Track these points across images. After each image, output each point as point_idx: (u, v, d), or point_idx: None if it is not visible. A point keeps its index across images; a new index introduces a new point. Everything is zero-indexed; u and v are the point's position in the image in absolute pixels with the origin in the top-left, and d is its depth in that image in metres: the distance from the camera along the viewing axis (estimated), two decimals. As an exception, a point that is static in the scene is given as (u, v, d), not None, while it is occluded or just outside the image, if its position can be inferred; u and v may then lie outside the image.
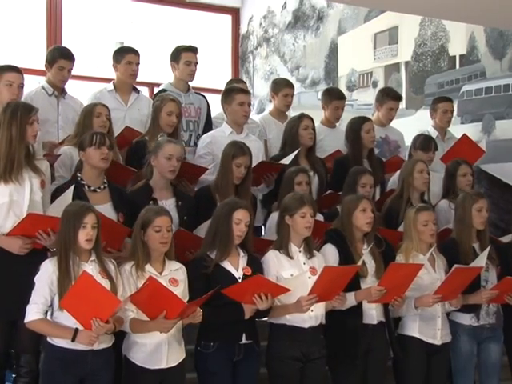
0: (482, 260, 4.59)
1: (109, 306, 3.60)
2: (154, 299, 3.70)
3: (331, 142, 6.22)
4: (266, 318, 4.26)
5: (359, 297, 4.31)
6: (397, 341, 4.53)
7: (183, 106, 5.92)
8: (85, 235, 3.72)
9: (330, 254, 4.42)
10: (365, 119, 5.89)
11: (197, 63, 6.09)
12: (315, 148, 5.73)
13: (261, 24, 9.44)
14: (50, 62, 5.65)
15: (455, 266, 4.45)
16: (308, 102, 8.61)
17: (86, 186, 4.41)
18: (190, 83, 6.16)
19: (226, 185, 4.79)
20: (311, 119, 5.67)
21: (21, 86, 4.94)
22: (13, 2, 8.28)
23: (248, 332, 4.10)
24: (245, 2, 9.62)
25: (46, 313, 3.74)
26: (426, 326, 4.55)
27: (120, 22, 8.91)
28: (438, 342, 4.57)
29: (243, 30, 9.67)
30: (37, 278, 3.74)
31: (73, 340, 3.64)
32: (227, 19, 9.71)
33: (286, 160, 5.27)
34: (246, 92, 5.67)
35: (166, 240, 3.94)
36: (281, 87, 6.44)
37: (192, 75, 6.08)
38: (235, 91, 5.57)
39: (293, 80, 7.76)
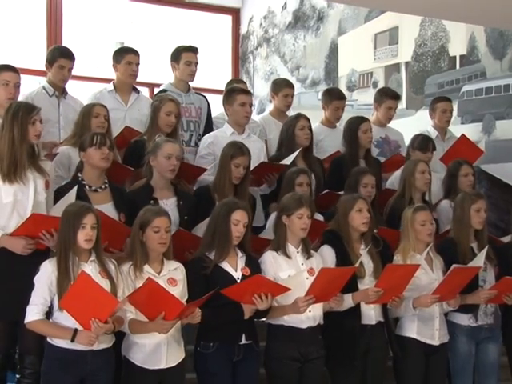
0: (480, 260, 4.58)
1: (107, 307, 3.60)
2: (152, 300, 3.70)
3: (331, 142, 6.23)
4: (264, 319, 4.26)
5: (356, 298, 4.30)
6: (396, 340, 4.53)
7: (184, 106, 5.93)
8: (84, 235, 3.72)
9: (326, 256, 4.41)
10: (362, 119, 5.90)
11: (197, 63, 6.09)
12: (312, 148, 5.72)
13: (261, 24, 9.44)
14: (51, 61, 5.66)
15: (454, 265, 4.45)
16: (308, 103, 8.61)
17: (87, 186, 4.41)
18: (190, 83, 6.16)
19: (224, 185, 4.79)
20: (308, 119, 5.67)
21: (17, 86, 4.95)
22: (13, 3, 8.28)
23: (247, 332, 4.10)
24: (245, 3, 9.63)
25: (47, 313, 3.73)
26: (425, 327, 4.54)
27: (120, 23, 8.91)
28: (436, 342, 4.56)
29: (243, 30, 9.67)
30: (36, 279, 3.74)
31: (72, 340, 3.65)
32: (227, 19, 9.71)
33: (287, 160, 5.27)
34: (248, 92, 5.68)
35: (165, 241, 3.94)
36: (281, 87, 6.44)
37: (192, 75, 6.09)
38: (236, 92, 5.57)
39: (293, 80, 7.76)
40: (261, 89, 9.24)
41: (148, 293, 3.69)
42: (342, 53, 8.49)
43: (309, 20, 8.86)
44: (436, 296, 4.41)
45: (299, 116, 5.72)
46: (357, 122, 5.84)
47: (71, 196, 4.21)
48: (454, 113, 6.68)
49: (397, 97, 6.65)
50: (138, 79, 6.16)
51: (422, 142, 5.85)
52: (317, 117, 6.77)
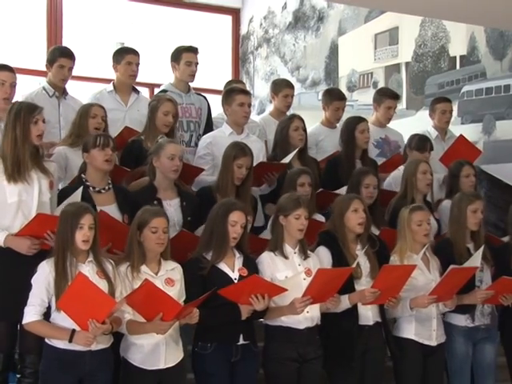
0: (476, 260, 4.58)
1: (104, 307, 3.60)
2: (150, 301, 3.70)
3: (331, 142, 6.22)
4: (262, 320, 4.26)
5: (353, 299, 4.29)
6: (394, 340, 4.53)
7: (184, 107, 5.94)
8: (82, 236, 3.73)
9: (323, 257, 4.40)
10: (360, 119, 5.89)
11: (197, 64, 6.09)
12: (307, 149, 5.71)
13: (261, 24, 9.44)
14: (51, 61, 5.67)
15: (451, 266, 4.45)
16: (308, 103, 8.62)
17: (91, 188, 4.42)
18: (190, 84, 6.16)
19: (226, 185, 4.79)
20: (302, 120, 5.66)
21: (13, 86, 4.97)
22: (13, 3, 8.28)
23: (245, 333, 4.10)
24: (245, 3, 9.63)
25: (44, 314, 3.73)
26: (422, 328, 4.54)
27: (120, 23, 8.91)
28: (433, 343, 4.56)
29: (243, 30, 9.67)
30: (34, 280, 3.75)
31: (70, 341, 3.65)
32: (227, 20, 9.71)
33: (286, 160, 5.26)
34: (247, 93, 5.67)
35: (162, 241, 3.94)
36: (281, 88, 6.44)
37: (192, 76, 6.09)
38: (235, 92, 5.56)
39: (293, 80, 7.77)
40: (261, 89, 9.24)
41: (145, 294, 3.69)
42: (342, 53, 8.49)
43: (309, 20, 8.86)
44: (433, 297, 4.41)
45: (293, 117, 5.72)
46: (354, 122, 5.83)
47: (76, 197, 4.22)
48: (454, 113, 6.68)
49: (396, 96, 6.65)
50: (138, 79, 6.16)
51: (420, 142, 5.85)
52: (317, 117, 6.77)
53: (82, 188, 4.30)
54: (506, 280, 4.55)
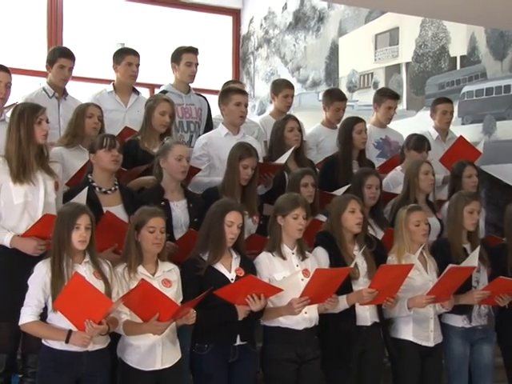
0: (473, 260, 4.57)
1: (101, 308, 3.60)
2: (146, 301, 3.70)
3: (332, 143, 6.20)
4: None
5: (351, 299, 4.29)
6: (392, 341, 4.53)
7: (184, 107, 5.95)
8: (78, 236, 3.73)
9: (320, 258, 4.39)
10: (357, 120, 5.87)
11: (197, 64, 6.09)
12: (303, 149, 5.71)
13: (261, 25, 9.44)
14: (51, 61, 5.67)
15: (450, 265, 4.44)
16: (308, 103, 8.62)
17: (97, 188, 4.44)
18: (190, 84, 6.16)
19: (233, 186, 4.79)
20: (297, 120, 5.64)
21: (8, 86, 4.97)
22: (13, 4, 8.29)
23: (242, 333, 4.09)
24: (245, 3, 9.63)
25: (41, 315, 3.73)
26: (420, 329, 4.54)
27: (120, 24, 8.91)
28: (431, 343, 4.56)
29: (244, 30, 9.67)
30: (30, 280, 3.75)
31: (67, 341, 3.65)
32: (228, 20, 9.71)
33: (282, 159, 5.24)
34: (243, 92, 5.65)
35: (160, 241, 3.94)
36: (281, 88, 6.44)
37: (193, 76, 6.09)
38: (232, 92, 5.55)
39: (293, 81, 7.78)
40: (261, 89, 9.24)
41: (142, 294, 3.69)
42: (343, 53, 8.49)
43: (309, 21, 8.86)
44: (431, 296, 4.40)
45: (288, 117, 5.71)
46: (351, 123, 5.82)
47: (82, 197, 4.23)
48: (455, 113, 6.67)
49: (396, 96, 6.65)
50: (139, 80, 6.16)
51: (417, 142, 5.84)
52: (317, 117, 6.77)
53: (86, 189, 4.32)
54: (503, 280, 4.55)
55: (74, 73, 5.82)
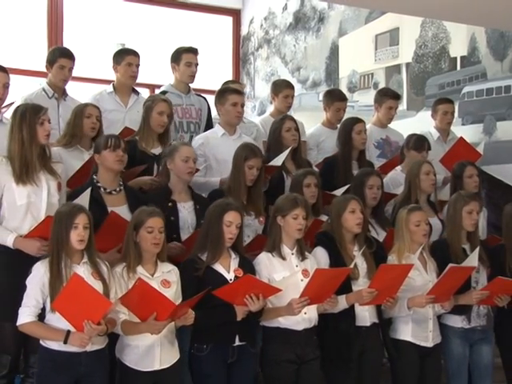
0: (473, 260, 4.57)
1: (100, 308, 3.60)
2: (143, 301, 3.70)
3: (332, 143, 6.19)
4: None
5: (350, 299, 4.29)
6: (391, 341, 4.52)
7: (184, 108, 5.95)
8: (76, 235, 3.73)
9: (320, 257, 4.39)
10: (357, 120, 5.87)
11: (197, 64, 6.10)
12: (301, 149, 5.70)
13: (262, 25, 9.44)
14: (51, 61, 5.67)
15: (450, 265, 4.44)
16: (309, 104, 8.61)
17: (102, 189, 4.45)
18: (190, 84, 6.16)
19: (239, 187, 4.79)
20: (294, 120, 5.64)
21: (6, 86, 4.96)
22: (14, 4, 8.29)
23: (241, 334, 4.09)
24: (246, 4, 9.63)
25: (39, 315, 3.73)
26: (419, 329, 4.53)
27: (121, 24, 8.91)
28: (429, 344, 4.56)
29: (244, 31, 9.67)
30: (28, 281, 3.75)
31: (65, 342, 3.65)
32: (228, 21, 9.71)
33: (278, 161, 5.23)
34: (240, 93, 5.64)
35: (158, 241, 3.94)
36: (281, 88, 6.44)
37: (192, 76, 6.09)
38: (228, 92, 5.55)
39: (294, 81, 7.77)
40: (261, 90, 9.24)
41: (139, 293, 3.69)
42: (343, 54, 8.49)
43: (309, 21, 8.86)
44: (431, 296, 4.40)
45: (285, 118, 5.70)
46: (351, 123, 5.82)
47: (85, 198, 4.23)
48: (455, 114, 6.67)
49: (397, 96, 6.65)
50: (139, 80, 6.16)
51: (417, 142, 5.84)
52: (317, 118, 6.78)
53: (89, 189, 4.32)
54: (501, 280, 4.54)
55: (74, 73, 5.82)
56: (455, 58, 7.45)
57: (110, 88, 6.00)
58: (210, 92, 7.33)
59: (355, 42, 8.37)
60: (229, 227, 4.08)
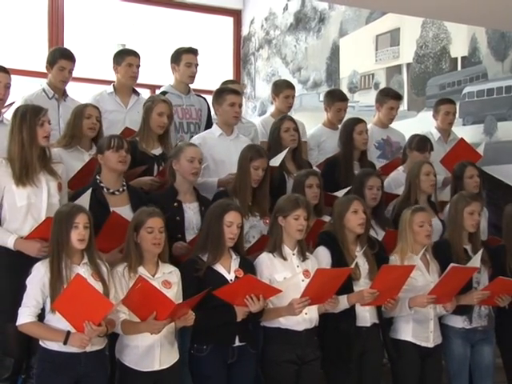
0: (476, 261, 4.58)
1: (101, 309, 3.60)
2: (144, 300, 3.70)
3: (333, 143, 6.20)
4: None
5: (352, 300, 4.29)
6: (391, 342, 4.52)
7: (184, 108, 5.95)
8: (77, 235, 3.74)
9: (322, 257, 4.40)
10: (358, 120, 5.89)
11: (197, 65, 6.10)
12: (301, 149, 5.69)
13: (262, 26, 9.44)
14: (51, 62, 5.67)
15: (451, 264, 4.44)
16: (309, 104, 8.61)
17: (105, 189, 4.45)
18: (190, 85, 6.16)
19: (245, 188, 4.79)
20: (292, 121, 5.64)
21: (7, 87, 4.97)
22: (15, 5, 8.29)
23: (241, 334, 4.09)
24: (246, 4, 9.62)
25: (39, 315, 3.73)
26: (419, 330, 4.54)
27: (121, 25, 8.91)
28: (430, 344, 4.56)
29: (245, 31, 9.67)
30: (28, 281, 3.75)
31: (65, 343, 3.65)
32: (229, 21, 9.71)
33: (276, 161, 5.23)
34: (237, 93, 5.62)
35: (159, 241, 3.94)
36: (281, 89, 6.43)
37: (193, 77, 6.09)
38: (226, 92, 5.54)
39: (294, 82, 7.76)
40: (262, 90, 9.24)
41: (140, 292, 3.69)
42: (344, 54, 8.48)
43: (310, 21, 8.86)
44: (433, 296, 4.40)
45: (283, 118, 5.70)
46: (352, 124, 5.83)
47: (85, 198, 4.24)
48: (456, 114, 6.66)
49: (398, 97, 6.64)
50: (139, 81, 6.15)
51: (420, 142, 5.84)
52: (318, 118, 6.77)
53: (90, 190, 4.33)
54: (502, 280, 4.55)
55: (75, 73, 5.82)
56: (456, 59, 7.44)
57: (110, 88, 5.99)
58: (211, 93, 7.34)
59: (356, 43, 8.36)
60: (229, 227, 4.08)
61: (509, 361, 4.92)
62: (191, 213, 4.63)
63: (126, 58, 5.93)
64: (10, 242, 4.09)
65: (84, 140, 5.00)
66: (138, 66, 5.97)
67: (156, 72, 7.94)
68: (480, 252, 4.59)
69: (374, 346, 4.45)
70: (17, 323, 3.74)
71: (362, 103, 8.14)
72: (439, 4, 6.00)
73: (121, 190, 4.51)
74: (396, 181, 5.72)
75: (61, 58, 5.64)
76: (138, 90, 6.18)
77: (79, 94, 6.19)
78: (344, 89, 8.08)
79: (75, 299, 3.56)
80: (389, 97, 6.53)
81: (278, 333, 4.20)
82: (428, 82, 7.65)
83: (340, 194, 5.16)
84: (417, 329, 4.53)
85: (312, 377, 4.26)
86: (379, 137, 6.45)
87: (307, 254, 4.34)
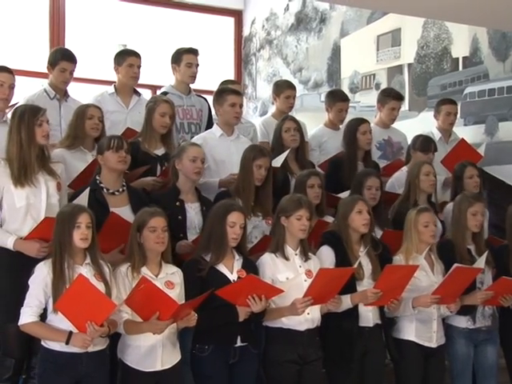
0: (481, 262, 4.58)
1: (104, 310, 3.60)
2: (147, 300, 3.70)
3: (335, 144, 6.20)
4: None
5: (355, 299, 4.30)
6: (393, 343, 4.52)
7: (185, 109, 5.94)
8: (79, 235, 3.74)
9: (326, 256, 4.41)
10: (362, 121, 5.89)
11: (198, 65, 6.10)
12: (304, 150, 5.68)
13: (263, 26, 9.44)
14: (52, 63, 5.66)
15: (455, 265, 4.44)
16: (311, 104, 8.61)
17: (105, 189, 4.45)
18: (191, 85, 6.16)
19: (248, 187, 4.79)
20: (294, 121, 5.63)
21: (12, 87, 4.97)
22: (16, 5, 8.29)
23: (243, 334, 4.09)
24: (247, 5, 9.62)
25: (41, 316, 3.73)
26: (423, 329, 4.54)
27: (123, 25, 8.91)
28: (433, 344, 4.56)
29: (246, 32, 9.67)
30: (31, 281, 3.75)
31: (67, 343, 3.65)
32: (230, 21, 9.70)
33: (277, 162, 5.22)
34: (238, 93, 5.62)
35: (162, 240, 3.95)
36: (282, 89, 6.43)
37: (193, 77, 6.09)
38: (227, 92, 5.53)
39: (295, 82, 7.77)
40: (263, 91, 9.24)
41: (143, 293, 3.68)
42: (345, 54, 8.48)
43: (311, 22, 8.86)
44: (436, 296, 4.41)
45: (285, 118, 5.71)
46: (356, 124, 5.83)
47: (83, 198, 4.24)
48: (457, 114, 6.66)
49: (400, 97, 6.64)
50: (141, 81, 6.15)
51: (424, 143, 5.84)
52: (319, 119, 6.77)
53: (88, 189, 4.33)
54: (506, 280, 4.55)
55: (76, 74, 5.81)
56: (457, 59, 7.44)
57: (111, 89, 5.99)
58: (212, 93, 7.33)
59: (357, 43, 8.36)
60: (232, 228, 4.09)
61: (512, 361, 4.94)
62: (193, 212, 4.64)
63: (127, 58, 5.92)
64: (9, 243, 4.09)
65: (87, 140, 4.99)
66: (139, 67, 5.97)
67: (157, 72, 7.94)
68: (485, 254, 4.60)
69: (377, 347, 4.46)
70: (19, 323, 3.74)
71: (363, 103, 8.14)
72: (440, 4, 6.01)
73: (120, 190, 4.50)
74: (400, 181, 5.70)
75: (62, 59, 5.63)
76: (138, 90, 6.18)
77: (80, 94, 6.19)
78: (345, 89, 8.08)
79: (78, 299, 3.56)
80: (390, 97, 6.52)
81: (280, 333, 4.20)
82: (429, 83, 7.65)
83: (343, 195, 5.16)
84: (420, 328, 4.54)
85: (314, 377, 4.26)
86: (380, 137, 6.44)
87: (309, 254, 4.35)
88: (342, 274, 4.17)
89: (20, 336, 4.01)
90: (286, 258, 4.26)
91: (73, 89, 5.93)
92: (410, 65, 7.87)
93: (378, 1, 6.47)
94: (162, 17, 9.15)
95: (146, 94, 7.03)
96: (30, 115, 4.17)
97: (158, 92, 6.52)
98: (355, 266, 4.25)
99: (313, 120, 7.15)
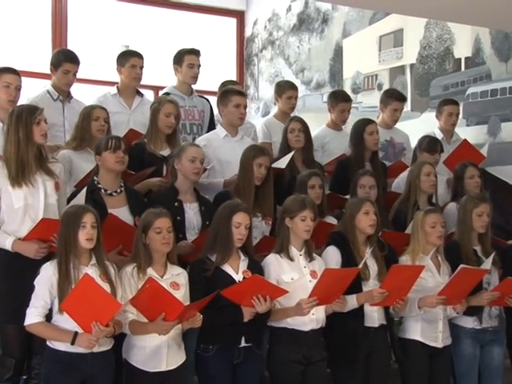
0: (488, 264, 4.58)
1: (109, 310, 3.60)
2: (153, 301, 3.70)
3: (337, 144, 6.21)
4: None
5: (360, 299, 4.30)
6: (398, 343, 4.52)
7: (187, 109, 5.95)
8: (85, 235, 3.74)
9: (332, 256, 4.42)
10: (368, 121, 5.89)
11: (200, 66, 6.10)
12: (310, 150, 5.67)
13: (266, 27, 9.44)
14: (55, 65, 5.66)
15: (461, 265, 4.45)
16: (313, 105, 8.61)
17: (103, 190, 4.44)
18: (194, 86, 6.16)
19: (248, 186, 4.78)
20: (300, 121, 5.61)
21: (18, 88, 4.96)
22: (18, 6, 8.29)
23: (247, 335, 4.09)
24: (250, 5, 9.62)
25: (47, 316, 3.73)
26: (428, 329, 4.54)
27: (125, 26, 8.91)
28: (439, 344, 4.57)
29: (248, 32, 9.67)
30: (36, 281, 3.75)
31: (72, 343, 3.65)
32: (232, 22, 9.70)
33: (282, 163, 5.22)
34: (242, 94, 5.63)
35: (168, 240, 3.96)
36: (284, 89, 6.43)
37: (195, 78, 6.10)
38: (231, 93, 5.54)
39: (297, 83, 7.77)
40: (265, 91, 9.24)
41: (149, 293, 3.69)
42: (347, 55, 8.48)
43: (313, 22, 8.86)
44: (442, 297, 4.41)
45: (291, 119, 5.71)
46: (363, 124, 5.83)
47: (80, 199, 4.24)
48: (459, 115, 6.65)
49: (403, 98, 6.64)
50: (143, 82, 6.15)
51: (430, 144, 5.84)
52: (321, 119, 6.77)
53: (85, 189, 4.33)
54: None
55: (79, 75, 5.81)
56: (459, 59, 7.44)
57: (113, 90, 5.99)
58: (215, 93, 7.34)
59: (359, 44, 8.36)
60: (238, 228, 4.09)
61: (517, 361, 4.94)
62: (191, 213, 4.64)
63: (129, 59, 5.92)
64: (7, 244, 4.07)
65: (93, 142, 4.99)
66: (142, 68, 5.97)
67: (160, 73, 7.94)
68: (492, 255, 4.60)
69: (381, 347, 4.46)
70: (24, 323, 3.73)
71: (366, 104, 8.15)
72: (442, 4, 6.01)
73: (118, 191, 4.49)
74: (405, 181, 5.70)
75: (65, 61, 5.63)
76: (141, 91, 6.18)
77: (83, 95, 6.19)
78: (347, 89, 8.08)
79: (83, 299, 3.56)
80: (393, 98, 6.53)
81: (285, 333, 4.21)
82: (431, 83, 7.65)
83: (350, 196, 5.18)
84: (426, 328, 4.54)
85: (318, 378, 4.27)
86: (382, 138, 6.43)
87: (314, 254, 4.35)
88: (347, 274, 4.17)
89: (20, 336, 4.02)
90: (291, 259, 4.27)
91: (75, 90, 5.92)
92: (412, 65, 7.87)
93: (380, 1, 6.47)
94: (164, 18, 9.15)
95: (148, 95, 7.04)
96: (27, 114, 4.15)
97: (160, 93, 6.52)
98: (360, 266, 4.25)
99: (315, 121, 7.12)
